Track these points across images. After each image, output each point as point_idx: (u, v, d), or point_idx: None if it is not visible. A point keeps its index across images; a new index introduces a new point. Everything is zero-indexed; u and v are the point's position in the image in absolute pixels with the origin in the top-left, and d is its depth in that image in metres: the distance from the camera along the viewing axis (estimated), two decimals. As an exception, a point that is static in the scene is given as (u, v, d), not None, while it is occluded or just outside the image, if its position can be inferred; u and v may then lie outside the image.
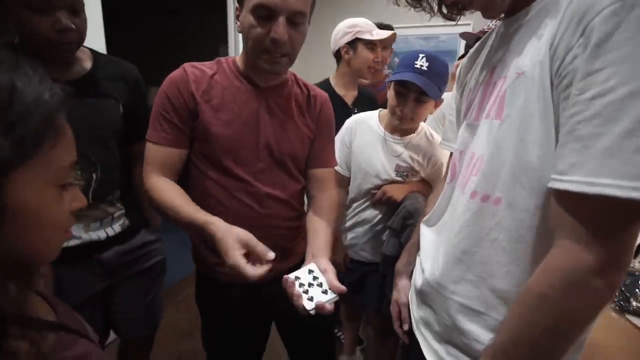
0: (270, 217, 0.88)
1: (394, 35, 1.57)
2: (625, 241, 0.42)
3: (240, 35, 0.85)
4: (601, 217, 0.41)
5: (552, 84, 0.47)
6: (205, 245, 0.91)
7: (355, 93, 1.62)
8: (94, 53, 1.00)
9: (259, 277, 0.67)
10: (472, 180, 0.58)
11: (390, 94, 1.20)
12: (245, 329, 1.00)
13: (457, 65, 1.28)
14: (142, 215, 1.11)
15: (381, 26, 1.84)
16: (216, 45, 3.49)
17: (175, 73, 0.83)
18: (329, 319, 0.89)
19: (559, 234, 0.45)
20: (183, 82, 0.81)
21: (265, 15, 0.73)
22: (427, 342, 0.67)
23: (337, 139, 1.25)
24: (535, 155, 0.49)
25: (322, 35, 1.68)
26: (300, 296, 0.70)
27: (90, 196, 0.96)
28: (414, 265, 0.78)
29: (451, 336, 0.61)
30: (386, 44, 1.65)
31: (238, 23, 0.81)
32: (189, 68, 0.83)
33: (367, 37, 1.51)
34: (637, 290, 0.86)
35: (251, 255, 0.69)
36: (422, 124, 1.29)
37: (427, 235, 0.74)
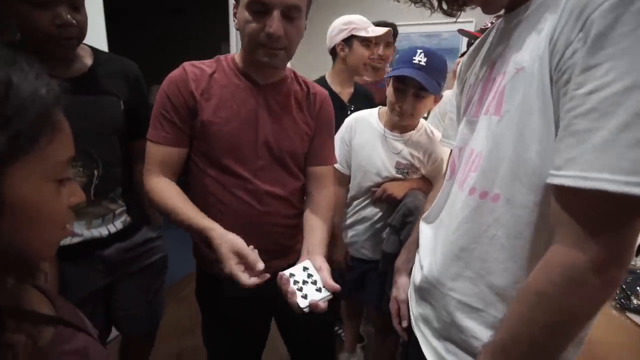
0: (270, 214, 0.88)
1: (390, 32, 1.57)
2: (624, 237, 0.41)
3: (241, 34, 0.85)
4: (597, 212, 0.41)
5: (551, 79, 0.46)
6: (205, 244, 0.92)
7: (351, 90, 1.62)
8: (94, 50, 1.00)
9: (252, 286, 0.68)
10: (471, 176, 0.57)
11: (389, 90, 1.20)
12: (245, 325, 1.01)
13: (459, 63, 1.27)
14: (143, 212, 1.12)
15: (384, 24, 1.84)
16: (218, 44, 3.49)
17: (175, 72, 0.83)
18: (328, 317, 0.89)
19: (558, 231, 0.45)
20: (182, 81, 0.81)
21: (259, 10, 0.74)
22: (425, 339, 0.67)
23: (337, 137, 1.25)
24: (534, 152, 0.49)
25: (324, 34, 1.67)
26: (294, 294, 0.70)
27: (92, 193, 0.97)
28: (414, 263, 0.78)
29: (449, 333, 0.61)
30: (382, 40, 1.65)
31: (235, 20, 0.81)
32: (189, 67, 0.84)
33: (362, 34, 1.51)
34: (638, 288, 0.86)
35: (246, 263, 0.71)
36: (421, 120, 1.29)
37: (426, 232, 0.73)
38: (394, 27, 1.91)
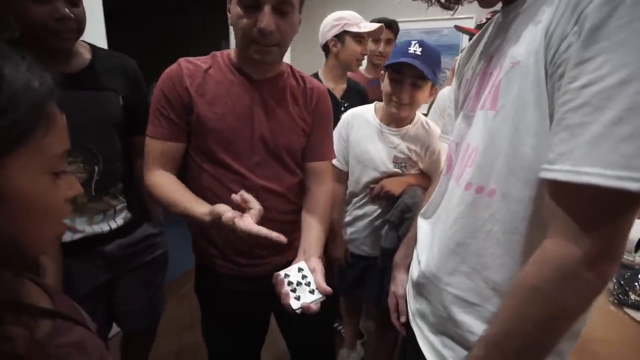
0: (266, 210, 0.88)
1: (382, 27, 1.57)
2: (617, 231, 0.41)
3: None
4: (589, 207, 0.41)
5: (546, 73, 0.46)
6: (206, 239, 0.92)
7: (344, 86, 1.62)
8: (93, 47, 1.00)
9: (254, 231, 0.67)
10: (467, 171, 0.57)
11: (385, 83, 1.20)
12: (245, 320, 1.01)
13: (458, 60, 1.27)
14: (144, 208, 1.13)
15: (385, 21, 1.84)
16: (218, 42, 3.48)
17: (170, 68, 0.84)
18: (327, 314, 0.90)
19: (550, 225, 0.45)
20: (177, 77, 0.82)
21: (251, 5, 0.73)
22: (422, 334, 0.67)
23: (334, 133, 1.25)
24: (530, 146, 0.48)
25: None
26: (287, 295, 0.71)
27: (92, 188, 0.97)
28: (412, 258, 0.78)
29: (446, 327, 0.61)
30: (374, 36, 1.65)
31: (229, 15, 0.81)
32: (184, 63, 0.84)
33: (354, 29, 1.51)
34: (636, 283, 0.86)
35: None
36: (418, 113, 1.29)
37: (423, 227, 0.74)
38: (395, 24, 1.91)
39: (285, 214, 0.92)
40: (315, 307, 0.70)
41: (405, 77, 1.15)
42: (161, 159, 0.84)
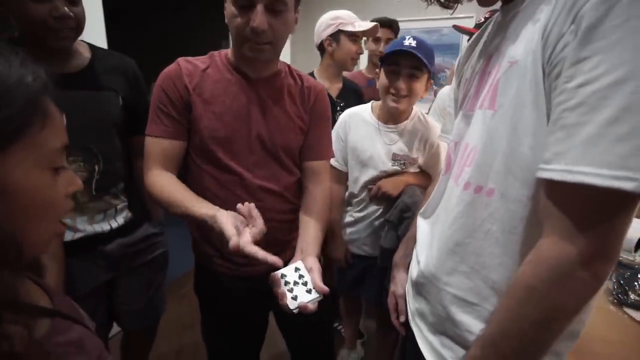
0: (264, 210, 0.88)
1: (377, 26, 1.57)
2: (612, 231, 0.41)
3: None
4: (585, 206, 0.41)
5: (544, 72, 0.46)
6: (205, 239, 0.92)
7: (339, 85, 1.62)
8: (92, 47, 1.01)
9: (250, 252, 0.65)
10: (466, 171, 0.57)
11: (382, 77, 1.20)
12: (244, 320, 1.01)
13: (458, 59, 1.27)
14: (144, 208, 1.13)
15: (385, 21, 1.84)
16: (218, 42, 3.49)
17: (169, 68, 0.84)
18: (326, 313, 0.90)
19: (546, 224, 0.45)
20: (177, 75, 0.82)
21: (244, 4, 0.74)
22: (421, 334, 0.67)
23: (332, 133, 1.25)
24: (528, 146, 0.48)
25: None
26: (284, 295, 0.71)
27: (93, 188, 0.98)
28: (412, 258, 0.78)
29: (445, 327, 0.61)
30: (369, 35, 1.65)
31: (225, 14, 0.81)
32: (183, 62, 0.84)
33: (349, 29, 1.51)
34: (635, 283, 0.86)
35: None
36: (415, 108, 1.29)
37: (422, 227, 0.74)
38: (395, 24, 1.91)
39: (282, 213, 0.92)
40: (312, 306, 0.70)
41: (402, 68, 1.15)
42: (161, 159, 0.84)
